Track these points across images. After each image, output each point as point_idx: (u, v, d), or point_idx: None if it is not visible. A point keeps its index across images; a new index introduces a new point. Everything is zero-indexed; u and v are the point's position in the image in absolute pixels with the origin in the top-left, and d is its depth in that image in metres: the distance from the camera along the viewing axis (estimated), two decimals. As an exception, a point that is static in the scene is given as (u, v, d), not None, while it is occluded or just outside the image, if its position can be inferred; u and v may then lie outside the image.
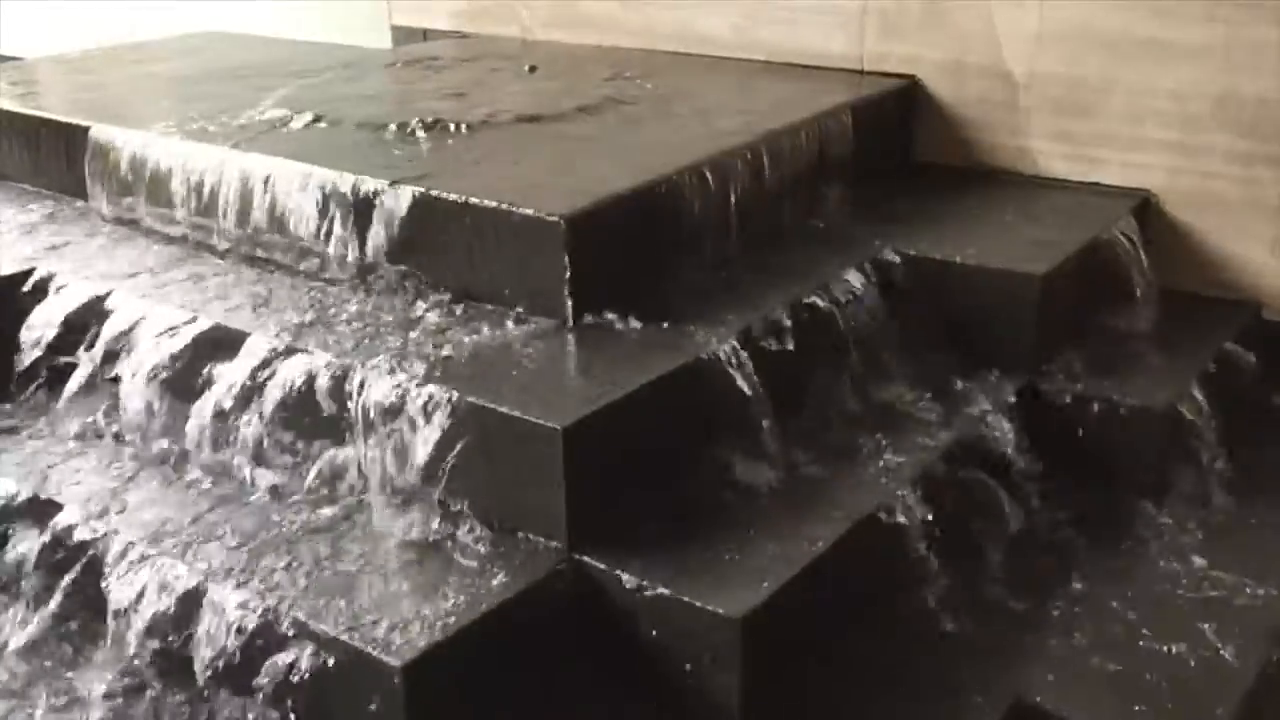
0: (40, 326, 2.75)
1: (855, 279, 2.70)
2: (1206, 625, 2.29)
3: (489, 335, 2.43)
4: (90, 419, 2.65)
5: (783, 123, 3.02)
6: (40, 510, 2.41)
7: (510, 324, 2.47)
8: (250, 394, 2.43)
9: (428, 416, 2.21)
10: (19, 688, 2.24)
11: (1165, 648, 2.24)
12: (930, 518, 2.34)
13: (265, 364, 2.43)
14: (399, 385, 2.25)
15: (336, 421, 2.35)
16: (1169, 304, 2.97)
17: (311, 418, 2.39)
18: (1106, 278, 2.93)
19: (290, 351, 2.42)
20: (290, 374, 2.39)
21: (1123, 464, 2.67)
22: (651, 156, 2.78)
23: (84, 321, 2.70)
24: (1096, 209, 3.08)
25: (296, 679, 2.04)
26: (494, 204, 2.51)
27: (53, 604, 2.33)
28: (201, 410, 2.49)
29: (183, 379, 2.54)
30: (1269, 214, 3.02)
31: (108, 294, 2.71)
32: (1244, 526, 2.59)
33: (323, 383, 2.36)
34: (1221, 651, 2.23)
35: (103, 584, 2.25)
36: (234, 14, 4.85)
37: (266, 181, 2.80)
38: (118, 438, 2.61)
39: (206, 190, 2.91)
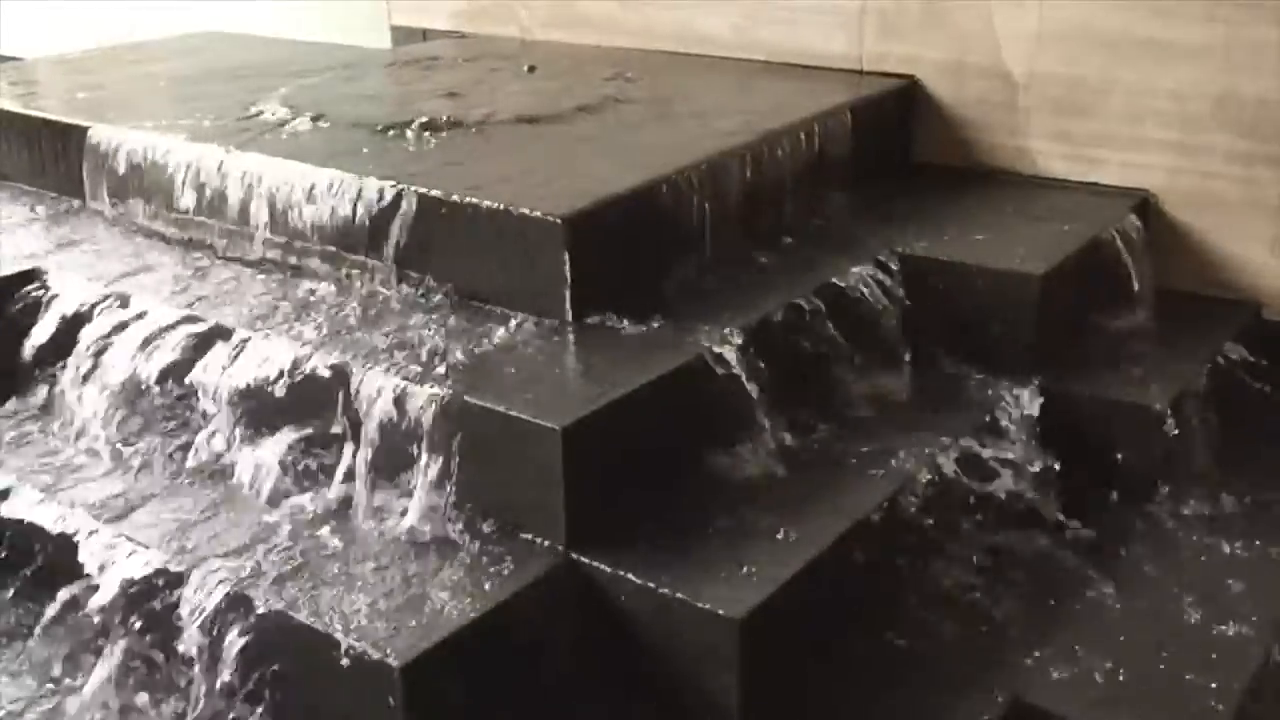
0: (40, 327, 2.76)
1: (854, 279, 2.70)
2: (1206, 624, 2.29)
3: (489, 335, 2.43)
4: (90, 419, 2.65)
5: (782, 123, 3.02)
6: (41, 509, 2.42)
7: (510, 324, 2.47)
8: (251, 393, 2.43)
9: (427, 416, 2.21)
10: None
11: (1165, 647, 2.24)
12: (930, 519, 2.34)
13: (265, 363, 2.43)
14: (399, 385, 2.25)
15: (336, 420, 2.35)
16: (1168, 304, 2.97)
17: (311, 416, 2.39)
18: (1106, 278, 2.93)
19: (290, 351, 2.42)
20: (290, 372, 2.39)
21: (1122, 463, 2.67)
22: (651, 157, 2.78)
23: (84, 322, 2.70)
24: (1096, 209, 3.08)
25: (296, 680, 2.04)
26: (494, 204, 2.51)
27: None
28: (201, 409, 2.49)
29: (182, 378, 2.54)
30: (1268, 214, 3.02)
31: (107, 294, 2.71)
32: (1243, 526, 2.59)
33: (322, 381, 2.36)
34: (1222, 650, 2.22)
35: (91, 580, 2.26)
36: (234, 14, 4.84)
37: (266, 181, 2.80)
38: (117, 437, 2.61)
39: (206, 191, 2.92)
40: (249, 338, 2.47)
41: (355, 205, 2.66)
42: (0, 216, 3.23)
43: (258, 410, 2.45)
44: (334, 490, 2.35)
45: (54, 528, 2.36)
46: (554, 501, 2.14)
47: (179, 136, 3.03)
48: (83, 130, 3.19)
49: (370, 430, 2.27)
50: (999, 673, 2.19)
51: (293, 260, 2.79)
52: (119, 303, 2.69)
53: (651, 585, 2.07)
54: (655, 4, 3.86)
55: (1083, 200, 3.16)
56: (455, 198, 2.55)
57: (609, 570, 2.12)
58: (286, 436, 2.43)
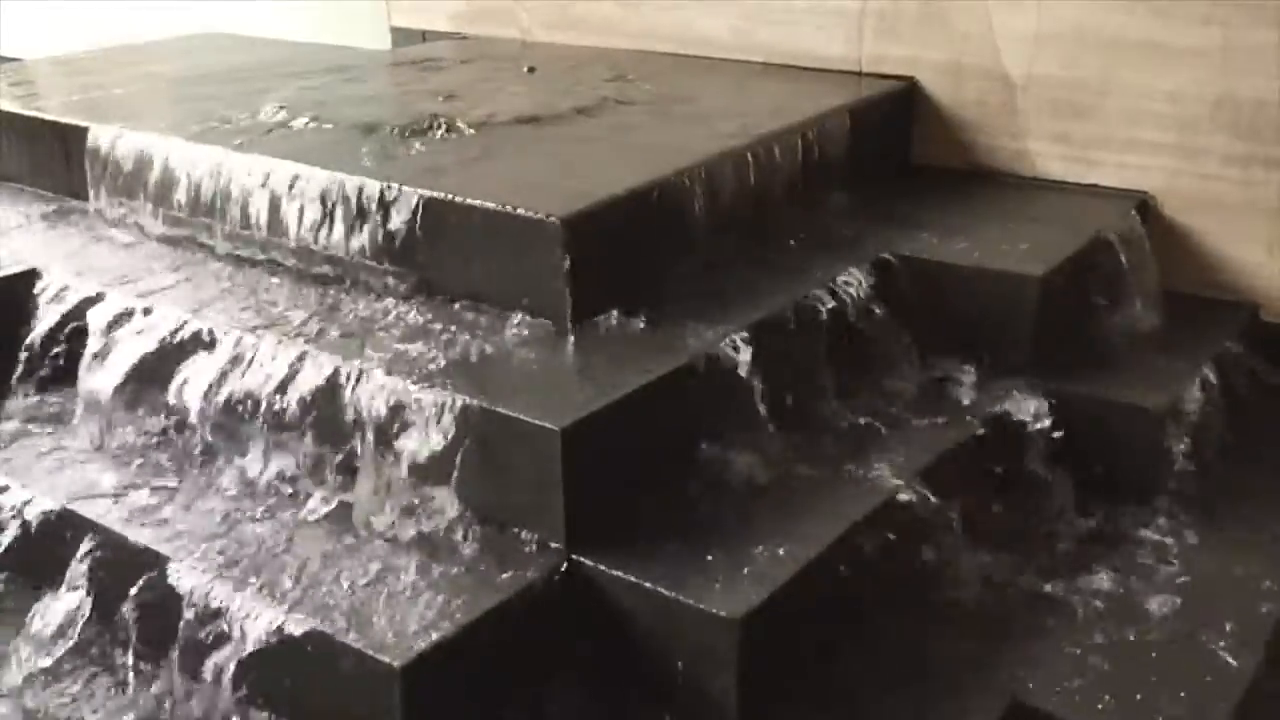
0: (39, 327, 2.76)
1: (854, 280, 2.70)
2: (1206, 624, 2.30)
3: (489, 336, 2.43)
4: (89, 418, 2.65)
5: (781, 124, 3.02)
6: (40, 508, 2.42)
7: (510, 324, 2.47)
8: (251, 394, 2.44)
9: (426, 417, 2.21)
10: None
11: (1165, 647, 2.25)
12: (929, 518, 2.34)
13: (263, 364, 2.43)
14: (398, 386, 2.25)
15: (336, 421, 2.35)
16: (1167, 305, 2.97)
17: (311, 417, 2.39)
18: (1104, 279, 2.93)
19: (290, 351, 2.42)
20: (290, 374, 2.39)
21: (1121, 464, 2.67)
22: (650, 157, 2.79)
23: (83, 322, 2.70)
24: (1095, 211, 3.09)
25: (295, 680, 2.05)
26: (493, 205, 2.51)
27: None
28: (200, 409, 2.49)
29: (181, 379, 2.54)
30: (1267, 216, 3.03)
31: (107, 295, 2.72)
32: (1242, 526, 2.60)
33: (322, 383, 2.36)
34: (1222, 650, 2.23)
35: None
36: (233, 15, 4.85)
37: (266, 182, 2.80)
38: (115, 437, 2.62)
39: (206, 191, 2.92)
40: (249, 339, 2.48)
41: (355, 206, 2.66)
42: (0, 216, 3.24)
43: (256, 411, 2.45)
44: (333, 491, 2.36)
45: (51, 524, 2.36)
46: (554, 502, 2.14)
47: (179, 137, 3.03)
48: (83, 130, 3.19)
49: (369, 431, 2.28)
50: (998, 674, 2.19)
51: (292, 262, 2.80)
52: (118, 303, 2.69)
53: (651, 585, 2.08)
54: (655, 5, 3.87)
55: (1081, 202, 3.17)
56: (455, 199, 2.55)
57: (609, 571, 2.12)
58: (285, 437, 2.43)
